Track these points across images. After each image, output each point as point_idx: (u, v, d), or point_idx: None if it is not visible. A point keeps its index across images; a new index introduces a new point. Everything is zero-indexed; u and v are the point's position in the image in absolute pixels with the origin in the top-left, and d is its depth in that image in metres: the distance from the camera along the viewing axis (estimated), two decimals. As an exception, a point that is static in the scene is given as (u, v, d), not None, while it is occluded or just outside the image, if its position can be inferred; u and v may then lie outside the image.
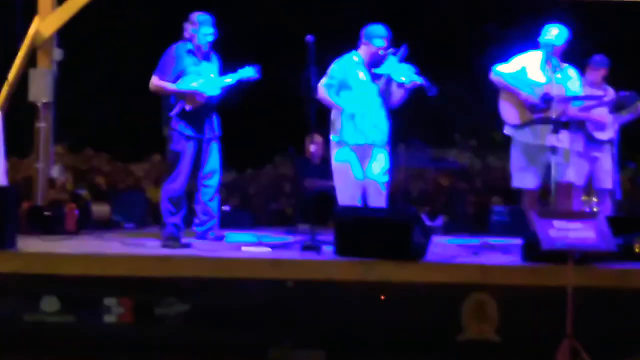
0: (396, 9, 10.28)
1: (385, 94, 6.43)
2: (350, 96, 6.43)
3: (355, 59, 6.50)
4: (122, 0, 9.39)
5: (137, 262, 5.57)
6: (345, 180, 6.47)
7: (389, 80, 6.38)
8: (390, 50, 6.38)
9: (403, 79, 6.29)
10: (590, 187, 7.36)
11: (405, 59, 6.35)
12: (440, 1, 8.52)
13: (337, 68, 6.48)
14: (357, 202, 6.42)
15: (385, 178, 6.48)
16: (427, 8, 11.32)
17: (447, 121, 11.21)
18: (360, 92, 6.44)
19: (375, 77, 6.46)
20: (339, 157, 6.50)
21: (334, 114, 6.52)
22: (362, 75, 6.46)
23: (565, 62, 6.51)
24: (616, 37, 10.22)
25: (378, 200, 6.43)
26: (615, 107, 7.14)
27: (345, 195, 6.45)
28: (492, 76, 6.52)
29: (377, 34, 6.41)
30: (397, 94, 6.41)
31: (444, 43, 11.55)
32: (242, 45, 9.11)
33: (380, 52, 6.38)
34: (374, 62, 6.43)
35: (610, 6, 8.27)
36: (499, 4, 8.95)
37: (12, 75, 7.43)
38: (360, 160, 6.45)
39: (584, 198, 7.41)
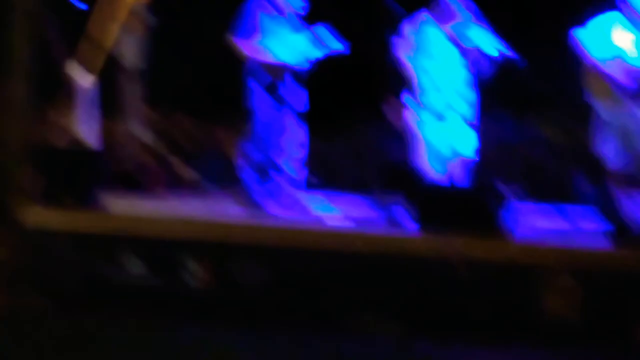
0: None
1: (472, 64, 6.26)
2: (431, 63, 6.27)
3: (430, 21, 6.30)
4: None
5: (220, 227, 5.64)
6: (427, 150, 6.35)
7: (475, 50, 6.17)
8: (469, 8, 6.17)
9: (490, 46, 6.09)
10: None
11: (491, 29, 6.14)
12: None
13: (412, 30, 6.26)
14: (442, 175, 6.33)
15: (468, 153, 6.36)
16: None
17: (536, 94, 10.95)
18: (440, 58, 6.27)
19: (456, 42, 6.27)
20: (422, 124, 6.36)
21: (415, 79, 6.33)
22: (440, 37, 6.27)
23: None
24: None
25: (462, 175, 6.33)
26: None
27: (427, 165, 6.34)
28: (577, 45, 6.06)
29: None
30: (484, 65, 6.20)
31: (531, 12, 11.23)
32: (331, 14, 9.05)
33: (457, 13, 6.17)
34: (450, 22, 6.23)
35: None
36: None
37: (107, 40, 7.57)
38: (443, 129, 6.32)
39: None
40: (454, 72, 6.31)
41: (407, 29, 6.32)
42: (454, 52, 6.31)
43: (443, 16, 6.27)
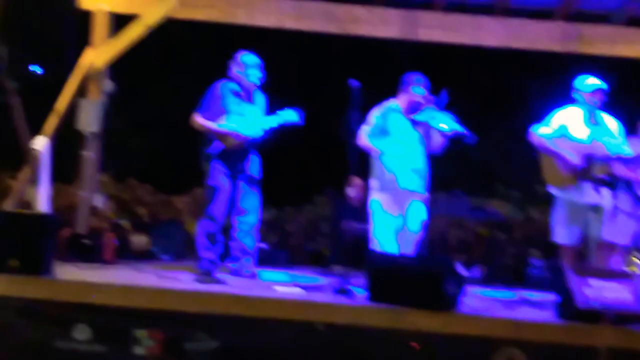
0: (438, 59, 10.32)
1: (425, 141, 6.47)
2: (390, 142, 6.52)
3: (395, 106, 6.59)
4: (173, 36, 9.56)
5: (170, 296, 5.59)
6: (381, 226, 6.51)
7: (428, 127, 6.42)
8: (430, 98, 6.44)
9: (442, 126, 6.33)
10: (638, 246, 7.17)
11: (445, 107, 6.38)
12: (484, 53, 8.59)
13: (377, 114, 6.59)
14: (392, 248, 6.44)
15: (419, 228, 6.52)
16: (469, 59, 11.35)
17: (489, 171, 11.19)
18: (399, 139, 6.53)
19: (415, 124, 6.53)
20: (376, 202, 6.55)
21: (374, 159, 6.59)
22: (402, 121, 6.53)
23: (605, 112, 6.46)
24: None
25: (410, 249, 6.46)
26: None
27: (380, 240, 6.49)
28: (532, 138, 6.47)
29: (415, 82, 6.53)
30: (437, 141, 6.47)
31: (488, 93, 11.59)
32: (287, 85, 9.21)
33: (419, 100, 6.48)
34: (413, 109, 6.52)
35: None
36: (541, 59, 8.94)
37: (61, 104, 7.60)
38: (397, 206, 6.48)
39: (629, 258, 7.26)
40: (413, 152, 6.52)
41: (373, 113, 6.58)
42: (415, 135, 6.52)
43: (408, 103, 6.54)
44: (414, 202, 6.53)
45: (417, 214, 6.55)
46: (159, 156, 11.51)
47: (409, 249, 6.47)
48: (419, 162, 6.54)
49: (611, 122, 6.46)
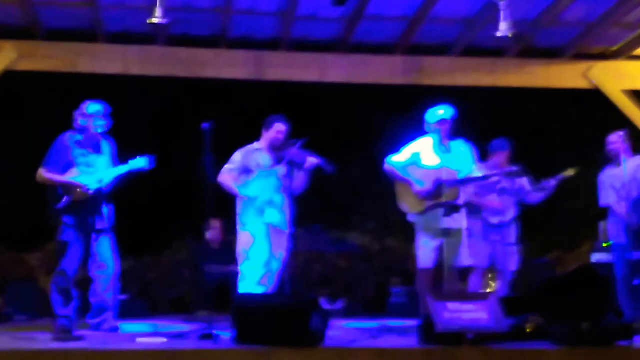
0: (293, 97, 10.49)
1: (287, 179, 6.56)
2: (253, 181, 6.64)
3: (257, 146, 6.74)
4: (15, 87, 9.28)
5: (26, 358, 5.36)
6: (248, 264, 6.54)
7: (291, 164, 6.51)
8: (290, 140, 6.58)
9: (304, 159, 6.47)
10: (493, 267, 7.45)
11: (304, 148, 6.51)
12: (334, 92, 8.83)
13: (240, 154, 6.72)
14: (258, 287, 6.45)
15: (282, 264, 6.58)
16: (322, 98, 11.61)
17: (346, 205, 11.39)
18: (262, 177, 6.65)
19: (276, 161, 6.63)
20: (243, 242, 6.61)
21: (238, 200, 6.65)
22: (264, 160, 6.66)
23: (454, 137, 6.73)
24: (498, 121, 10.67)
25: (274, 285, 6.54)
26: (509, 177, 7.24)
27: (249, 279, 6.51)
28: (386, 167, 6.70)
29: (276, 121, 6.75)
30: (299, 178, 6.58)
31: (341, 131, 11.83)
32: (140, 130, 9.11)
33: (280, 137, 6.64)
34: (274, 148, 6.64)
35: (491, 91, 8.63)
36: (391, 93, 9.26)
37: None
38: (263, 243, 6.53)
39: (486, 278, 7.53)
40: (276, 190, 6.64)
41: (236, 153, 6.69)
42: (277, 173, 6.66)
43: (270, 142, 6.70)
44: (278, 238, 6.59)
45: (281, 249, 6.60)
46: (6, 213, 11.07)
47: (274, 286, 6.51)
48: (281, 199, 6.63)
49: (462, 149, 6.72)
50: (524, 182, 7.43)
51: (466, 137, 6.82)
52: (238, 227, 6.69)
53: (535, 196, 7.44)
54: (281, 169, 6.66)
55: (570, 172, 7.33)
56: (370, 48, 8.12)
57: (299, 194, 6.61)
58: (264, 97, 10.41)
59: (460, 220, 6.63)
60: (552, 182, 7.35)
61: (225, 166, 6.62)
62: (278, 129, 6.70)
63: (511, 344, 5.52)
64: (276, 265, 6.63)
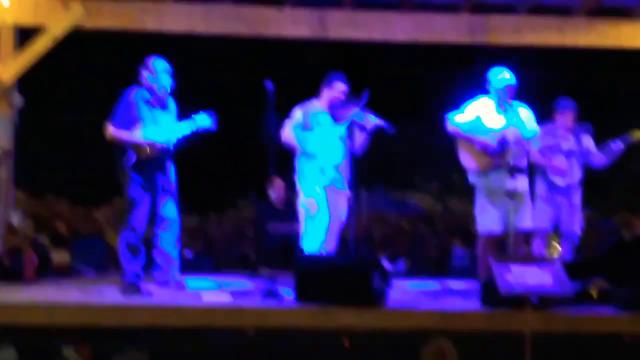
0: (352, 57, 10.40)
1: (347, 140, 6.53)
2: (313, 139, 6.61)
3: (317, 104, 6.68)
4: (82, 46, 9.38)
5: (95, 312, 5.52)
6: (309, 224, 6.55)
7: (352, 125, 6.49)
8: (351, 96, 6.54)
9: (364, 119, 6.42)
10: (557, 230, 7.36)
11: (365, 106, 6.46)
12: (396, 50, 8.71)
13: (300, 110, 6.68)
14: (320, 247, 6.48)
15: (343, 225, 6.60)
16: (384, 56, 11.49)
17: (408, 165, 11.33)
18: (322, 135, 6.63)
19: (337, 121, 6.61)
20: (303, 200, 6.61)
21: (297, 158, 6.64)
22: (324, 119, 6.61)
23: (517, 100, 6.62)
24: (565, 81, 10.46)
25: (335, 245, 6.58)
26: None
27: (311, 238, 6.53)
28: (448, 126, 6.61)
29: (337, 79, 6.70)
30: (360, 139, 6.54)
31: (403, 89, 11.73)
32: (201, 91, 9.15)
33: (340, 97, 6.60)
34: (334, 107, 6.62)
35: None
36: (452, 52, 9.10)
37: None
38: (323, 204, 6.54)
39: (550, 242, 7.45)
40: (335, 150, 6.62)
41: (296, 109, 6.66)
42: (337, 132, 6.62)
43: (330, 101, 6.68)
44: (337, 199, 6.59)
45: (341, 210, 6.61)
46: (75, 169, 11.29)
47: (335, 246, 6.53)
48: (341, 159, 6.61)
49: (523, 111, 6.61)
50: (590, 143, 7.30)
51: (532, 97, 6.71)
52: (298, 186, 6.71)
53: (602, 159, 7.30)
54: (341, 129, 6.63)
55: (638, 135, 7.17)
56: (436, 6, 8.00)
57: (359, 155, 6.58)
58: (326, 56, 10.35)
59: (524, 182, 6.56)
60: (619, 144, 7.20)
61: (287, 121, 6.63)
62: (339, 88, 6.67)
63: (575, 309, 5.48)
64: (336, 226, 6.66)
